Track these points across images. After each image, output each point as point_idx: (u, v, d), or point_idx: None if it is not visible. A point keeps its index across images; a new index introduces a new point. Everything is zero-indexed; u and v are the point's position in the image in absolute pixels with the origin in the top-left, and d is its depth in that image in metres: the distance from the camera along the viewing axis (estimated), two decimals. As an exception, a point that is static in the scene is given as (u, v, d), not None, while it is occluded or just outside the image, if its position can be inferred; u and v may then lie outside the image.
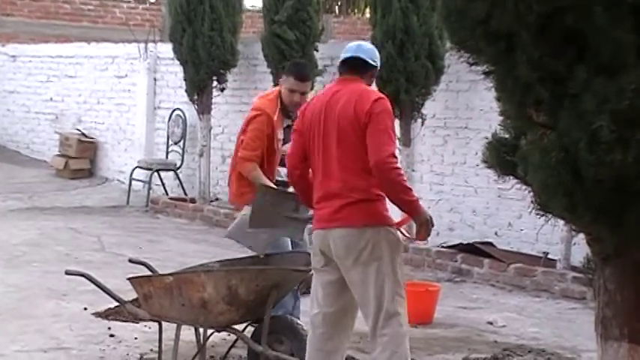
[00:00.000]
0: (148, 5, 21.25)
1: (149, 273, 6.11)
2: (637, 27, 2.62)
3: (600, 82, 2.66)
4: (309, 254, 5.88)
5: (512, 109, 3.02)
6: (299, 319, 5.96)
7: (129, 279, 5.79)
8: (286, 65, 6.54)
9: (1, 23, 18.05)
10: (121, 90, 14.93)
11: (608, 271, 3.10)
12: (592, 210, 2.85)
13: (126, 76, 14.86)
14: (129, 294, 7.67)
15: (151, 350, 6.27)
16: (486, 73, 3.03)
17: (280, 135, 6.39)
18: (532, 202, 3.12)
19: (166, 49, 13.26)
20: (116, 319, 7.08)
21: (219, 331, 5.73)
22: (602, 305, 3.15)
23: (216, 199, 12.76)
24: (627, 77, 2.63)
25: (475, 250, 9.58)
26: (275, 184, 6.37)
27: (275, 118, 6.26)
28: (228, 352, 5.96)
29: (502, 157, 3.21)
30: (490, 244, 9.82)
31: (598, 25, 2.64)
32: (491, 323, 7.63)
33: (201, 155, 12.52)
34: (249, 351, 5.67)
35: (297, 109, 6.10)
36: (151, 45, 14.43)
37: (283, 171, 6.20)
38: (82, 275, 5.97)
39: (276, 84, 11.97)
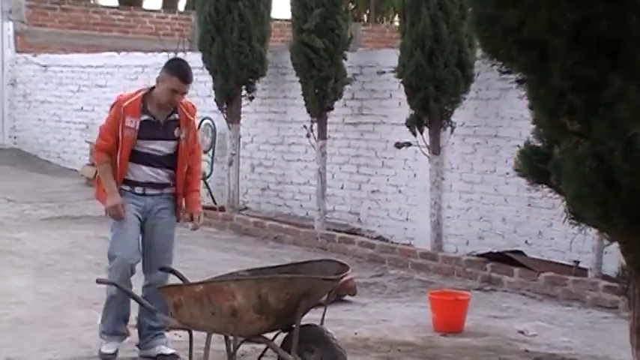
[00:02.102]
0: (177, 15, 21.35)
1: (179, 281, 6.13)
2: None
3: (635, 90, 2.65)
4: (340, 263, 5.89)
5: (546, 118, 3.02)
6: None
7: (159, 288, 5.83)
8: (168, 63, 6.38)
9: (33, 34, 18.18)
10: (151, 99, 14.99)
11: (643, 281, 3.09)
12: (627, 219, 2.84)
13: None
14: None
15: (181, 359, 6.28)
16: (519, 82, 3.03)
17: (131, 124, 6.18)
18: (565, 210, 3.11)
19: (196, 58, 13.28)
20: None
21: (249, 340, 5.72)
22: (637, 315, 3.13)
23: (245, 208, 12.78)
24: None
25: (505, 259, 9.54)
26: (136, 183, 6.36)
27: (126, 104, 6.20)
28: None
29: (535, 166, 3.21)
30: (520, 252, 9.77)
31: (632, 33, 2.63)
32: (522, 332, 7.59)
33: (230, 164, 12.54)
34: None
35: (172, 108, 6.26)
36: (180, 54, 14.48)
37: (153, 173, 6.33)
38: (113, 284, 6.02)
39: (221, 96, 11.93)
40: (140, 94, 6.27)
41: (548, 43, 2.77)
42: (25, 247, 10.62)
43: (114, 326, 6.32)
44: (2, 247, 10.59)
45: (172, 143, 6.32)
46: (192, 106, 6.51)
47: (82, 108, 16.28)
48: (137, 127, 6.16)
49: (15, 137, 17.67)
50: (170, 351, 6.34)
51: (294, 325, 5.47)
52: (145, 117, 6.21)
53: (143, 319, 6.32)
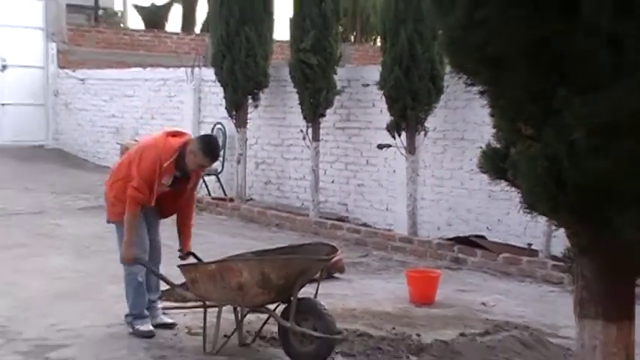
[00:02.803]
0: (193, 36, 21.34)
1: (195, 261, 6.13)
2: (611, 53, 2.59)
3: (578, 100, 2.64)
4: (330, 246, 5.89)
5: (504, 123, 3.01)
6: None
7: (179, 266, 5.85)
8: (202, 141, 6.09)
9: (72, 52, 18.15)
10: (171, 107, 14.98)
11: (585, 261, 3.08)
12: (572, 211, 2.83)
13: (175, 95, 14.91)
14: (179, 279, 7.70)
15: (197, 326, 6.27)
16: (481, 93, 3.02)
17: (166, 182, 6.07)
18: (520, 202, 3.10)
19: (209, 73, 13.29)
20: (168, 300, 7.09)
21: (254, 311, 5.75)
22: (579, 289, 3.13)
23: (251, 199, 12.77)
24: (602, 96, 2.61)
25: (470, 243, 9.55)
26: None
27: (166, 165, 5.98)
28: (261, 327, 5.96)
29: (495, 164, 3.20)
30: (482, 237, 9.79)
31: (576, 52, 2.62)
32: (483, 304, 7.60)
33: (238, 162, 12.54)
34: (279, 327, 5.66)
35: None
36: (196, 70, 14.47)
37: None
38: (141, 263, 6.01)
39: (231, 109, 11.92)
40: (175, 157, 5.99)
41: (507, 60, 2.76)
42: (65, 231, 10.62)
43: (143, 310, 6.24)
44: (46, 231, 10.58)
45: (184, 187, 6.26)
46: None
47: (113, 115, 16.26)
48: (169, 183, 6.07)
49: (57, 139, 17.63)
50: (170, 320, 6.33)
51: (292, 298, 5.49)
52: (177, 174, 6.08)
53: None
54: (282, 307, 5.68)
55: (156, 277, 6.17)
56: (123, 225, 6.05)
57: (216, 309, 5.68)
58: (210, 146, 6.09)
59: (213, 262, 5.72)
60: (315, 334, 5.45)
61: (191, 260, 6.19)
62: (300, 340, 5.53)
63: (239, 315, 5.82)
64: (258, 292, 5.44)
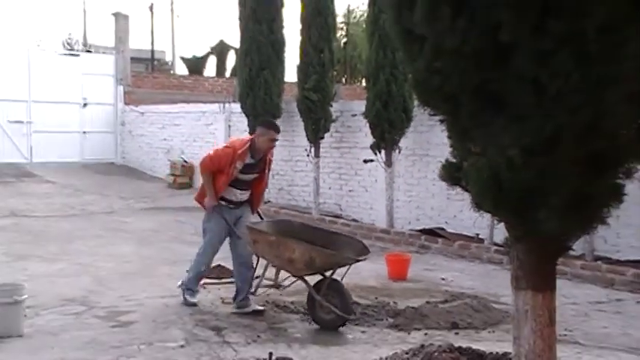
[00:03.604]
0: (225, 79, 21.36)
1: (260, 220, 6.06)
2: (535, 91, 2.61)
3: (513, 126, 2.66)
4: (364, 246, 5.66)
5: (457, 144, 3.02)
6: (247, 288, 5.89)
7: (247, 226, 5.75)
8: (263, 122, 6.14)
9: (135, 92, 18.17)
10: (208, 133, 14.98)
11: (519, 247, 3.08)
12: (508, 209, 2.84)
13: (211, 124, 14.91)
14: (214, 262, 7.71)
15: (229, 297, 6.26)
16: (441, 121, 3.03)
17: (239, 166, 5.87)
18: (470, 202, 3.11)
19: (236, 107, 13.29)
20: (207, 277, 7.09)
21: (295, 278, 5.58)
22: (515, 268, 3.13)
23: (268, 202, 12.74)
24: (529, 123, 2.63)
25: (433, 233, 9.55)
26: (229, 201, 6.02)
27: (240, 152, 5.85)
28: (289, 285, 5.80)
29: (451, 174, 3.20)
30: (442, 229, 9.79)
31: (510, 91, 2.64)
32: (443, 279, 7.59)
33: (259, 173, 12.52)
34: (309, 296, 5.53)
35: (269, 152, 5.98)
36: (227, 105, 14.48)
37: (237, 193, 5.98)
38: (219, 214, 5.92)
39: (252, 132, 11.88)
40: (248, 145, 5.91)
41: (458, 96, 2.78)
42: (130, 226, 10.63)
43: (195, 286, 6.16)
44: (116, 226, 10.60)
45: (257, 175, 6.07)
46: (272, 154, 6.25)
47: (164, 139, 16.26)
48: (241, 168, 5.91)
49: (124, 157, 17.62)
50: (261, 308, 5.99)
51: (325, 278, 5.42)
52: (249, 161, 5.94)
53: (241, 284, 5.97)
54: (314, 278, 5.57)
55: (231, 229, 5.93)
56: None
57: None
58: (269, 122, 6.19)
59: (274, 235, 5.55)
60: (337, 311, 5.34)
61: (256, 218, 6.08)
62: (324, 310, 5.43)
63: (277, 275, 5.73)
64: (302, 268, 5.34)
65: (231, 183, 5.94)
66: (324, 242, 5.59)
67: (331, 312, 5.38)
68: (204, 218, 6.10)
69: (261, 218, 6.12)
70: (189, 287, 6.10)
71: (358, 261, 5.44)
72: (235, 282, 6.06)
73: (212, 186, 5.91)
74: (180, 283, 6.23)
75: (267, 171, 6.11)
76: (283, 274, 5.71)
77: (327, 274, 5.50)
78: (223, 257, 8.13)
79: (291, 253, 5.30)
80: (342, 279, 5.55)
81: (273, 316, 5.81)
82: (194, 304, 6.05)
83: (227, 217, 5.97)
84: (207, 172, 5.93)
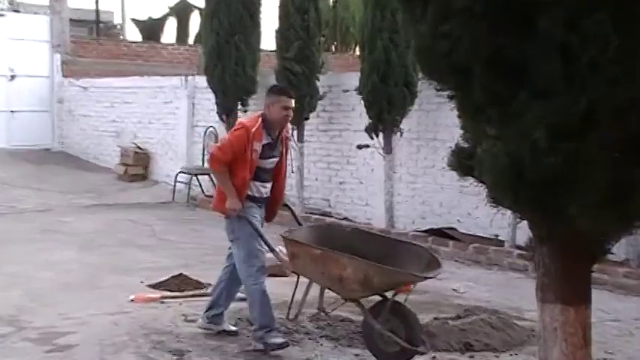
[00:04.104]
0: (187, 47, 21.28)
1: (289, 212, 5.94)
2: (564, 61, 2.61)
3: (537, 103, 2.66)
4: (432, 255, 5.46)
5: (470, 125, 3.02)
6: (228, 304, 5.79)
7: (282, 235, 5.44)
8: (270, 88, 5.87)
9: (76, 62, 18.07)
10: (167, 112, 14.93)
11: (545, 249, 3.10)
12: (531, 202, 2.85)
13: (171, 102, 14.87)
14: (175, 270, 7.70)
15: (193, 314, 6.26)
16: (450, 97, 3.03)
17: (257, 147, 5.57)
18: (486, 196, 3.12)
19: (202, 80, 13.26)
20: (165, 289, 7.08)
21: (345, 301, 5.37)
22: (540, 276, 3.15)
23: (242, 196, 12.76)
24: (558, 99, 2.63)
25: (442, 234, 9.57)
26: (254, 198, 5.69)
27: (254, 129, 5.54)
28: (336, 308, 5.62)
29: (462, 162, 3.21)
30: (454, 229, 9.81)
31: (534, 59, 2.64)
32: (455, 290, 7.61)
33: (229, 162, 12.53)
34: (364, 322, 5.30)
35: (285, 126, 5.75)
36: (190, 78, 14.44)
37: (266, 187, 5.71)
38: (248, 221, 5.53)
39: (222, 112, 11.89)
40: (260, 121, 5.64)
41: (470, 67, 2.78)
42: (71, 227, 10.59)
43: (273, 321, 5.54)
44: (54, 227, 10.56)
45: (277, 160, 5.79)
46: (288, 130, 6.00)
47: (113, 120, 16.19)
48: (260, 150, 5.57)
49: (62, 143, 17.54)
50: (234, 328, 5.90)
51: (386, 301, 5.17)
52: (266, 140, 5.62)
53: (222, 300, 5.83)
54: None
55: (263, 241, 5.57)
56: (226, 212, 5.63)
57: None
58: (276, 87, 6.02)
59: (319, 248, 5.23)
60: (401, 342, 5.08)
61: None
62: (385, 341, 5.18)
63: (322, 294, 5.41)
64: (355, 288, 5.06)
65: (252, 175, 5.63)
66: (382, 253, 5.32)
67: (394, 343, 5.13)
68: (227, 229, 5.70)
69: (298, 223, 5.86)
70: (266, 325, 5.51)
71: (427, 279, 5.23)
72: (214, 292, 5.89)
73: (231, 184, 5.56)
74: (254, 344, 5.57)
75: (286, 154, 5.89)
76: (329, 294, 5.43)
77: (388, 293, 5.28)
78: (186, 264, 8.17)
79: (342, 270, 5.03)
80: (405, 300, 5.31)
81: (248, 336, 5.81)
82: (284, 346, 5.45)
83: (257, 219, 5.65)
84: (220, 168, 5.57)
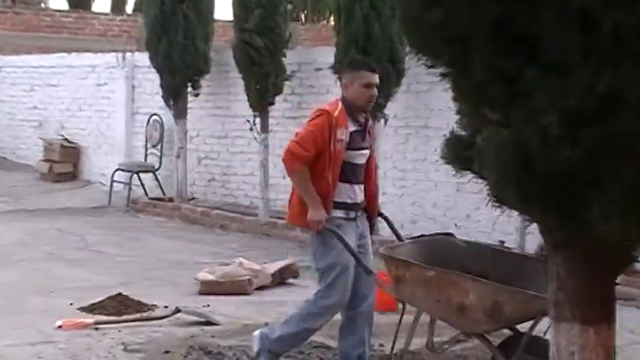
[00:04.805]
0: (125, 17, 21.18)
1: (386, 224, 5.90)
2: (583, 30, 2.62)
3: (550, 81, 2.66)
4: None
5: (468, 108, 3.03)
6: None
7: (384, 254, 5.27)
8: (348, 63, 5.73)
9: (-14, 36, 17.95)
10: (101, 97, 14.86)
11: (560, 259, 3.11)
12: (543, 202, 2.85)
13: (105, 84, 14.80)
14: (112, 289, 7.67)
15: (134, 342, 6.23)
16: (443, 75, 3.03)
17: (344, 136, 5.34)
18: (488, 194, 3.12)
19: (143, 57, 13.21)
20: (101, 313, 7.04)
21: (469, 337, 5.26)
22: (554, 290, 3.16)
23: (193, 199, 12.73)
24: (575, 76, 2.64)
25: (436, 241, 9.59)
26: (346, 206, 5.51)
27: (337, 114, 5.30)
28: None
29: (459, 154, 3.22)
30: (450, 234, 9.81)
31: (547, 28, 2.64)
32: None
33: (178, 157, 12.50)
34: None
35: (369, 108, 5.58)
36: (128, 54, 14.37)
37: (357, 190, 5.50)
38: (337, 235, 5.33)
39: (168, 96, 11.91)
40: (341, 105, 5.42)
41: (469, 38, 2.77)
42: (-17, 239, 10.49)
43: (283, 351, 5.66)
44: (-39, 239, 10.44)
45: (368, 152, 5.60)
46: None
47: (35, 107, 16.08)
48: (347, 139, 5.35)
49: (-30, 135, 17.41)
50: None
51: (517, 329, 4.99)
52: (353, 127, 5.42)
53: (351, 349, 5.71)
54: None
55: (360, 267, 5.41)
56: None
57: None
58: (355, 60, 6.19)
59: (433, 269, 5.01)
60: None
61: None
62: None
63: (417, 321, 5.30)
64: (480, 320, 4.81)
65: (339, 174, 5.40)
66: (508, 274, 5.03)
67: None
68: (314, 248, 5.56)
69: (399, 238, 5.72)
70: (278, 351, 5.57)
71: None
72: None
73: (313, 190, 5.31)
74: (257, 348, 5.58)
75: (372, 145, 5.72)
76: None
77: (520, 326, 5.03)
78: (125, 282, 8.12)
79: (463, 297, 4.79)
80: (544, 334, 4.72)
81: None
82: None
83: (349, 238, 5.39)
84: (299, 168, 5.32)
